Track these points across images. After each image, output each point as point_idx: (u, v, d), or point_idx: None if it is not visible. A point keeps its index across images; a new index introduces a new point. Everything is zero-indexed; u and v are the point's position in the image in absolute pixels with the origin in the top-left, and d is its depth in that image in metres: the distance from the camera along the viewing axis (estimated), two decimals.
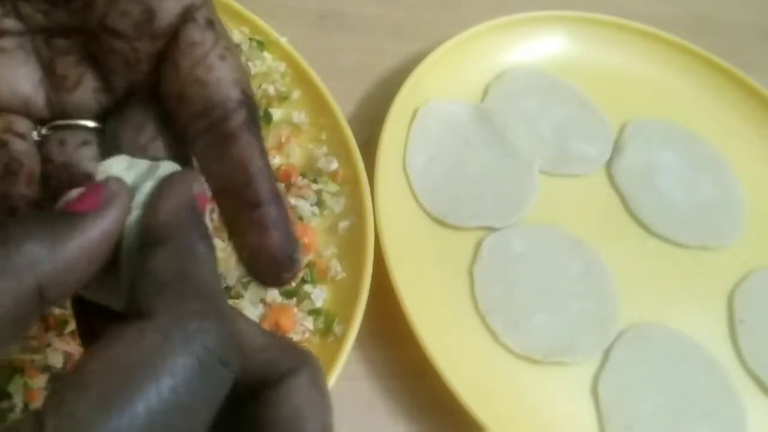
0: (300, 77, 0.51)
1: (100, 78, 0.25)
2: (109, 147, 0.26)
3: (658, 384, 0.45)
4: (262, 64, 0.51)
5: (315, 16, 0.59)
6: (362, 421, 0.42)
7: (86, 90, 0.25)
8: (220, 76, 0.23)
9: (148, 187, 0.22)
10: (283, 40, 0.52)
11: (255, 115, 0.24)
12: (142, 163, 0.23)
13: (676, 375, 0.46)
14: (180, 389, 0.17)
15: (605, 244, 0.50)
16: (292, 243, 0.23)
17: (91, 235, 0.20)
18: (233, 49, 0.25)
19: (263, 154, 0.23)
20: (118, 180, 0.22)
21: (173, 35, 0.24)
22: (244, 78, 0.24)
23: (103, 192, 0.21)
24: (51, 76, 0.25)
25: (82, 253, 0.20)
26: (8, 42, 0.25)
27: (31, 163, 0.24)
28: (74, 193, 0.21)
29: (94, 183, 0.21)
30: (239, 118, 0.23)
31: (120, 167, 0.22)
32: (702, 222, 0.54)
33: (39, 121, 0.25)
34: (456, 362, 0.41)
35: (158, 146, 0.25)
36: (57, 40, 0.25)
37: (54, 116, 0.25)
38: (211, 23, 0.24)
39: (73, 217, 0.20)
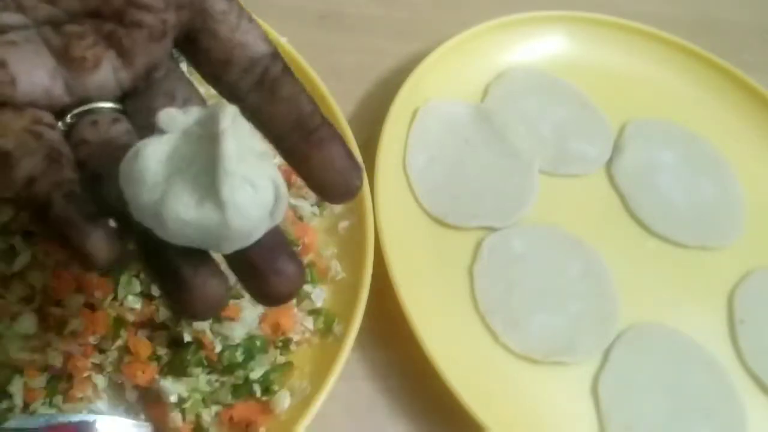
0: (300, 77, 0.50)
1: (119, 56, 0.26)
2: (143, 119, 0.27)
3: (658, 384, 0.45)
4: None
5: (315, 16, 0.59)
6: (362, 421, 0.42)
7: (106, 69, 0.26)
8: (256, 36, 0.27)
9: (228, 113, 0.22)
10: (283, 40, 0.52)
11: (286, 61, 0.28)
12: (195, 108, 0.23)
13: (676, 375, 0.46)
14: None
15: (605, 244, 0.50)
16: (352, 153, 0.26)
17: None
18: None
19: (306, 90, 0.27)
20: None
21: (198, 7, 0.26)
22: (265, 34, 0.28)
23: None
24: (68, 62, 0.25)
25: None
26: (15, 36, 0.25)
27: (67, 151, 0.25)
28: None
29: None
30: (278, 65, 0.27)
31: (177, 112, 0.23)
32: (702, 222, 0.54)
33: (60, 111, 0.26)
34: (456, 362, 0.41)
35: (193, 107, 0.26)
36: (68, 27, 0.25)
37: (75, 101, 0.26)
38: None
39: None
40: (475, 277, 0.47)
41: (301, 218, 0.45)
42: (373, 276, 0.41)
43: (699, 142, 0.58)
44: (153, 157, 0.22)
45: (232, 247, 0.23)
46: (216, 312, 0.24)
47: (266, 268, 0.24)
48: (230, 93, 0.27)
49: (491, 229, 0.49)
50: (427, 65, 0.53)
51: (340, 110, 0.48)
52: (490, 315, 0.45)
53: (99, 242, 0.22)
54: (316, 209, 0.45)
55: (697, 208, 0.54)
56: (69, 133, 0.26)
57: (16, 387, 0.35)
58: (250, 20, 0.27)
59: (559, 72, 0.60)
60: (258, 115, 0.26)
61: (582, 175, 0.55)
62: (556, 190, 0.53)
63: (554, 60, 0.60)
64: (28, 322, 0.36)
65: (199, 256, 0.23)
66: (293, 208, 0.45)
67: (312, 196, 0.46)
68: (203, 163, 0.22)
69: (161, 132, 0.23)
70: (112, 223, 0.23)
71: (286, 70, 0.27)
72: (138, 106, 0.27)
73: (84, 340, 0.36)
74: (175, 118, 0.23)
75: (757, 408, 0.46)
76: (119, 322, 0.37)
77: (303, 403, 0.37)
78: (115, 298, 0.37)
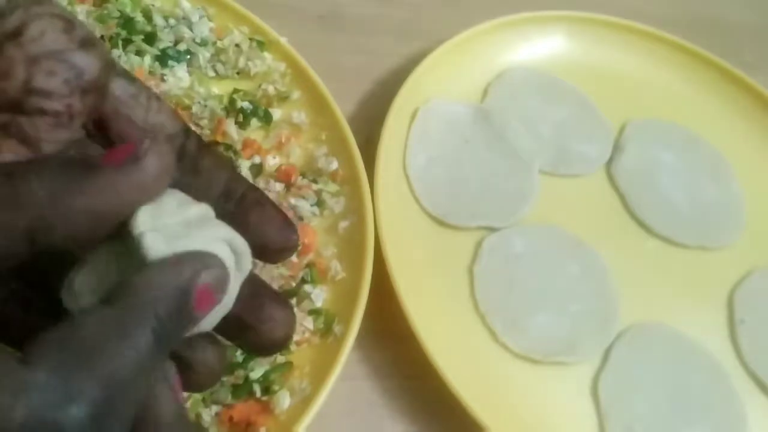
0: (300, 77, 0.50)
1: (21, 144, 0.25)
2: None
3: (658, 384, 0.45)
4: (262, 64, 0.51)
5: (315, 16, 0.59)
6: (362, 421, 0.42)
7: (9, 158, 0.24)
8: (168, 114, 0.26)
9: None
10: (283, 40, 0.52)
11: (199, 136, 0.27)
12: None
13: (676, 375, 0.46)
14: None
15: (605, 244, 0.50)
16: (283, 212, 0.26)
17: (100, 192, 0.20)
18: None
19: (229, 161, 0.26)
20: (159, 142, 0.21)
21: (103, 91, 0.25)
22: (175, 111, 0.27)
23: (131, 148, 0.20)
24: None
25: (85, 206, 0.20)
26: None
27: None
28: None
29: (133, 140, 0.21)
30: (193, 140, 0.26)
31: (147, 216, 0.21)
32: (702, 222, 0.54)
33: None
34: (456, 362, 0.41)
35: None
36: None
37: None
38: (128, 73, 0.27)
39: (91, 169, 0.20)
40: (475, 277, 0.47)
41: (301, 218, 0.45)
42: (373, 276, 0.41)
43: (699, 142, 0.58)
44: (86, 291, 0.21)
45: (216, 322, 0.22)
46: (220, 378, 0.24)
47: (254, 320, 0.24)
48: None
49: (491, 229, 0.49)
50: (427, 65, 0.53)
51: (340, 110, 0.48)
52: (490, 315, 0.45)
53: None
54: (316, 209, 0.45)
55: (697, 208, 0.54)
56: None
57: None
58: (158, 99, 0.27)
59: (559, 72, 0.60)
60: (183, 191, 0.25)
61: (582, 175, 0.55)
62: (556, 190, 0.53)
63: (554, 60, 0.60)
64: None
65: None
66: (293, 208, 0.45)
67: (311, 196, 0.46)
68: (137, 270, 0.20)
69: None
70: None
71: (202, 142, 0.27)
72: None
73: None
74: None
75: (757, 408, 0.46)
76: None
77: (303, 403, 0.37)
78: None
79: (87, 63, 0.25)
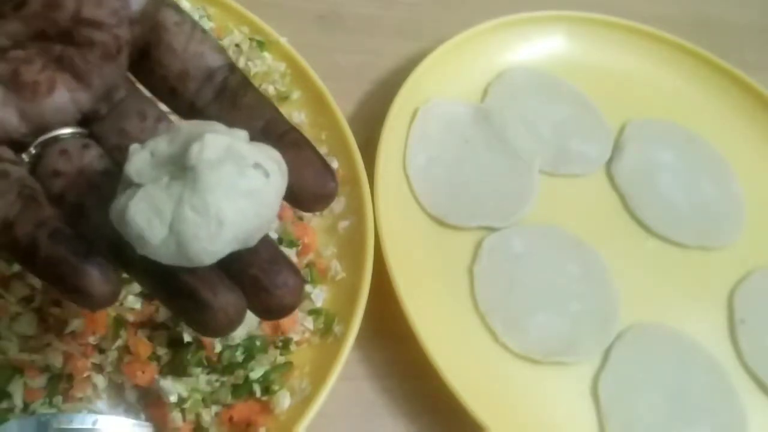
0: (300, 77, 0.50)
1: (74, 78, 0.25)
2: (115, 141, 0.26)
3: (658, 384, 0.45)
4: (262, 64, 0.50)
5: (315, 16, 0.59)
6: (362, 421, 0.42)
7: (62, 93, 0.25)
8: (211, 46, 0.26)
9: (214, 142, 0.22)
10: (283, 40, 0.52)
11: (243, 72, 0.27)
12: (161, 144, 0.23)
13: (676, 375, 0.46)
14: None
15: (605, 244, 0.50)
16: (323, 158, 0.25)
17: None
18: None
19: (269, 99, 0.27)
20: None
21: (151, 21, 0.26)
22: (221, 46, 0.27)
23: None
24: (19, 88, 0.24)
25: None
26: None
27: (38, 186, 0.24)
28: None
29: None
30: (237, 75, 0.26)
31: (143, 162, 0.22)
32: (702, 222, 0.54)
33: (18, 143, 0.24)
34: (456, 362, 0.41)
35: (165, 125, 0.26)
36: (12, 53, 0.24)
37: (32, 129, 0.25)
38: (177, 4, 0.27)
39: None
40: (475, 277, 0.47)
41: (301, 218, 0.45)
42: (373, 276, 0.41)
43: (699, 142, 0.58)
44: (143, 218, 0.21)
45: (260, 237, 0.23)
46: (237, 326, 0.24)
47: (269, 283, 0.24)
48: (190, 107, 0.26)
49: (491, 229, 0.49)
50: (427, 65, 0.53)
51: (340, 110, 0.48)
52: (490, 315, 0.45)
53: (96, 280, 0.22)
54: None
55: (697, 208, 0.54)
56: (35, 165, 0.25)
57: (16, 387, 0.35)
58: (204, 32, 0.26)
59: (559, 72, 0.60)
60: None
61: (582, 175, 0.55)
62: (556, 190, 0.53)
63: (554, 60, 0.60)
64: (28, 322, 0.36)
65: (210, 273, 0.23)
66: (293, 208, 0.45)
67: None
68: (191, 190, 0.21)
69: (133, 183, 0.22)
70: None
71: (246, 79, 0.26)
72: (107, 128, 0.26)
73: (84, 340, 0.36)
74: (142, 172, 0.22)
75: (757, 408, 0.46)
76: (119, 322, 0.37)
77: (303, 403, 0.37)
78: None
79: None
